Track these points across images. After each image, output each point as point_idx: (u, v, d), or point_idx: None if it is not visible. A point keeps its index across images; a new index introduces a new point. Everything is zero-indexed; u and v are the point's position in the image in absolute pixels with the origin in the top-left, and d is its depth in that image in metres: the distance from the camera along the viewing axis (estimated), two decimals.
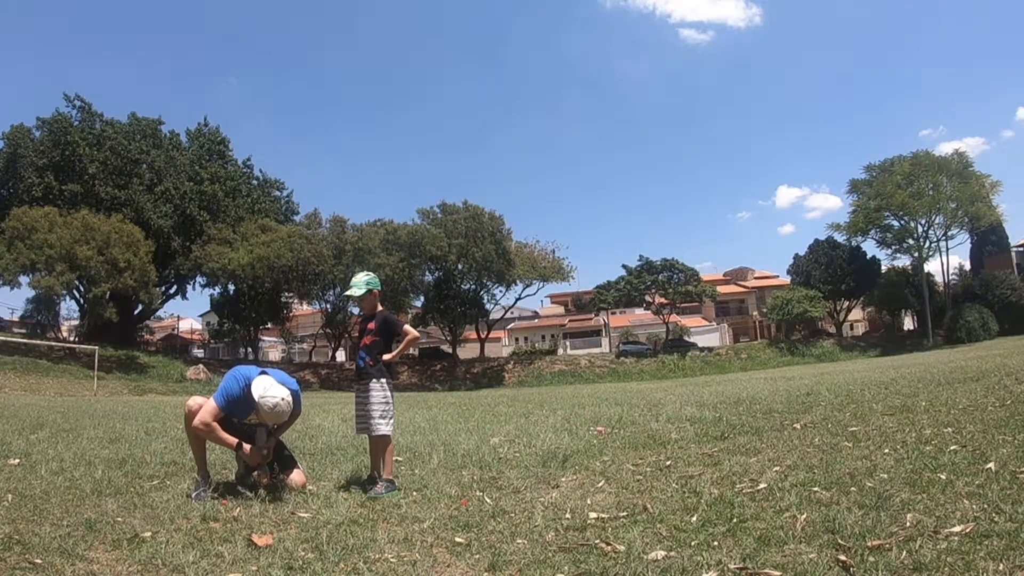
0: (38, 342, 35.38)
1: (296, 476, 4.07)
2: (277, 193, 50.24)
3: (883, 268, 50.55)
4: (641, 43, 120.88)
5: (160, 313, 52.10)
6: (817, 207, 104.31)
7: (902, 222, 47.99)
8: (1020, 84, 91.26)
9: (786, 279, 54.10)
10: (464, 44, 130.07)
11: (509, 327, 58.82)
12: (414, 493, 3.79)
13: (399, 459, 5.11)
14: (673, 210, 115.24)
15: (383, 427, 4.16)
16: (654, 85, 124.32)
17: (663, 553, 2.37)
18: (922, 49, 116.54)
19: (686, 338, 50.25)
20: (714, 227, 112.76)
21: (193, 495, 3.75)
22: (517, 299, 50.00)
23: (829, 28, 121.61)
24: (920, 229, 47.90)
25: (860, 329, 57.05)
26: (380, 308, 4.56)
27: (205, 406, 3.93)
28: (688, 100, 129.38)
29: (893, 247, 49.87)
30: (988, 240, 52.48)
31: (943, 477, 3.06)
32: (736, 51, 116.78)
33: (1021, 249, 55.29)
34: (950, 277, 52.88)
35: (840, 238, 50.58)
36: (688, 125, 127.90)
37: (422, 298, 46.84)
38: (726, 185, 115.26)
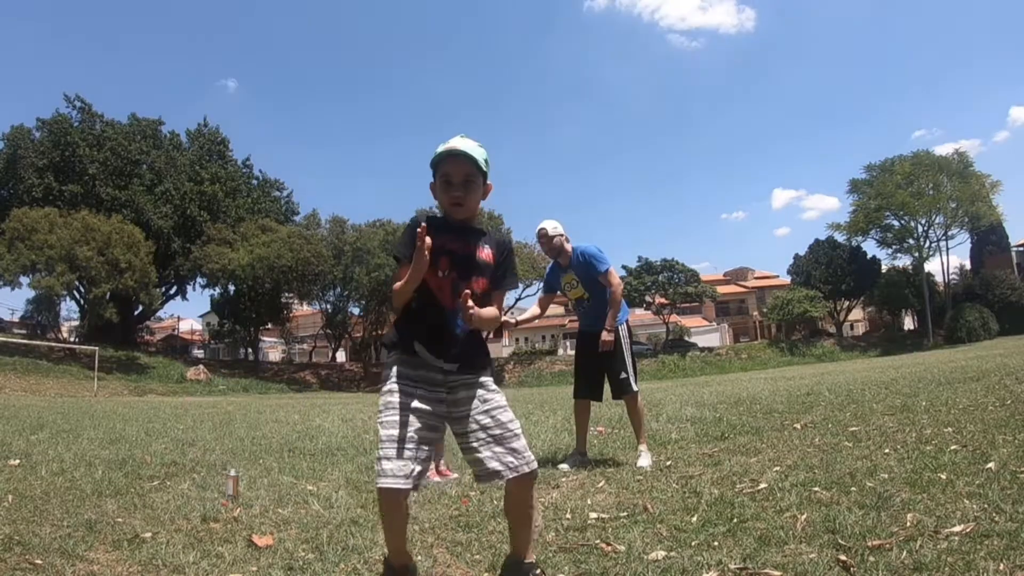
0: (38, 343, 35.40)
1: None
2: (277, 193, 50.31)
3: (883, 268, 50.62)
4: (636, 48, 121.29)
5: (160, 314, 52.20)
6: (813, 207, 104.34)
7: (902, 222, 48.04)
8: (1013, 84, 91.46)
9: (786, 279, 54.15)
10: (460, 49, 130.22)
11: None
12: (414, 493, 3.78)
13: None
14: (669, 212, 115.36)
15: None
16: (650, 89, 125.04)
17: (663, 553, 2.37)
18: (916, 51, 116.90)
19: (686, 338, 50.25)
20: (710, 229, 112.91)
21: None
22: (517, 299, 50.02)
23: (824, 31, 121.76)
24: (920, 229, 47.98)
25: (860, 329, 57.05)
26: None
27: None
28: (683, 104, 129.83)
29: (893, 247, 49.95)
30: (988, 240, 52.53)
31: (943, 477, 3.06)
32: (729, 56, 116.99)
33: (1021, 249, 55.31)
34: (950, 277, 52.93)
35: (840, 238, 50.65)
36: (684, 128, 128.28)
37: None
38: (723, 187, 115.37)
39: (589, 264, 4.43)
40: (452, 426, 1.99)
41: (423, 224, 1.81)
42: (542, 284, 4.96)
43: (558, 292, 4.74)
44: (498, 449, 1.90)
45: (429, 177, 2.04)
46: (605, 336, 4.36)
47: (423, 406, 1.91)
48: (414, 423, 1.88)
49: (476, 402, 1.96)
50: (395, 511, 1.90)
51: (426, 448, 1.90)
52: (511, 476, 1.87)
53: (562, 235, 4.45)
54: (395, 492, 1.82)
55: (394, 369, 1.98)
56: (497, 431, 1.92)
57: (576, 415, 4.72)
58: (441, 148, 1.97)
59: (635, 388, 4.49)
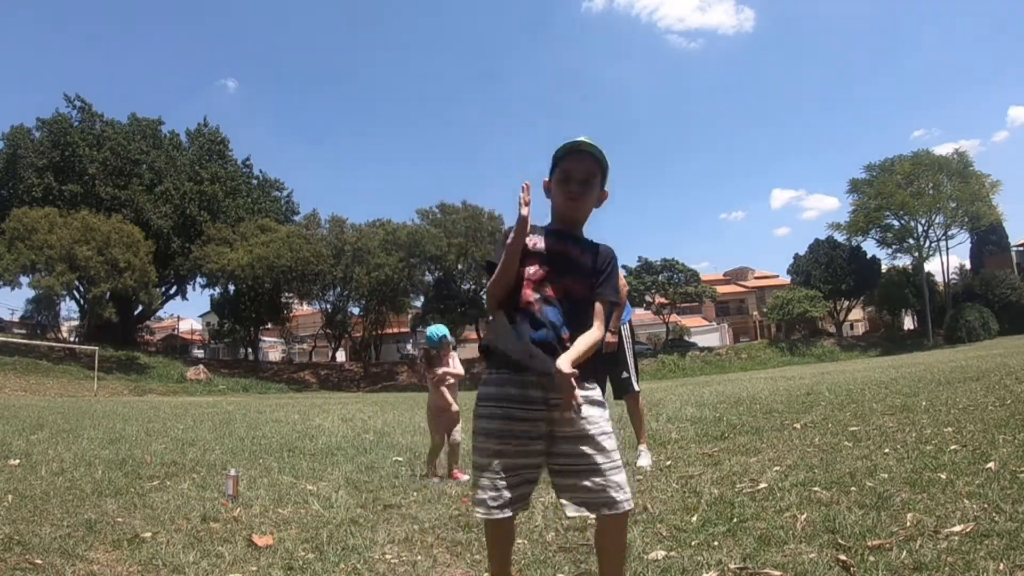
0: (38, 343, 35.38)
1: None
2: (277, 193, 50.29)
3: (883, 268, 50.61)
4: (634, 48, 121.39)
5: (160, 313, 52.15)
6: (812, 207, 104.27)
7: (902, 222, 48.04)
8: (1012, 84, 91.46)
9: (786, 279, 54.13)
10: (458, 50, 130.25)
11: None
12: (414, 493, 3.79)
13: (399, 459, 5.11)
14: (668, 212, 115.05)
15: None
16: (648, 90, 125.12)
17: (663, 553, 2.37)
18: (914, 51, 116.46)
19: (686, 338, 50.24)
20: (709, 229, 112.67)
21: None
22: None
23: (823, 31, 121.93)
24: (920, 229, 47.97)
25: (860, 329, 57.05)
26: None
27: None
28: (681, 104, 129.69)
29: (893, 247, 49.94)
30: (988, 240, 52.53)
31: (943, 477, 3.06)
32: (728, 56, 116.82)
33: (1021, 249, 55.32)
34: (950, 277, 52.92)
35: (840, 238, 50.64)
36: (682, 128, 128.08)
37: (422, 298, 46.87)
38: (721, 187, 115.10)
39: None
40: (550, 447, 1.75)
41: (526, 182, 1.74)
42: None
43: None
44: (598, 480, 1.68)
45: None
46: (609, 337, 4.36)
47: (518, 429, 1.73)
48: (508, 449, 1.72)
49: (579, 424, 1.72)
50: (499, 537, 1.84)
51: (524, 474, 1.74)
52: (608, 513, 1.68)
53: None
54: (495, 522, 1.74)
55: (487, 389, 1.80)
56: (600, 459, 1.69)
57: None
58: (567, 142, 1.85)
59: (636, 388, 4.49)
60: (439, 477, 4.26)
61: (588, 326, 1.77)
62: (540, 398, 1.73)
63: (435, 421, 4.50)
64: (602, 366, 4.47)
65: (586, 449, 1.70)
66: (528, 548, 2.59)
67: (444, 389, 4.51)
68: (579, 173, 1.85)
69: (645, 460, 4.24)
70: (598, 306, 1.82)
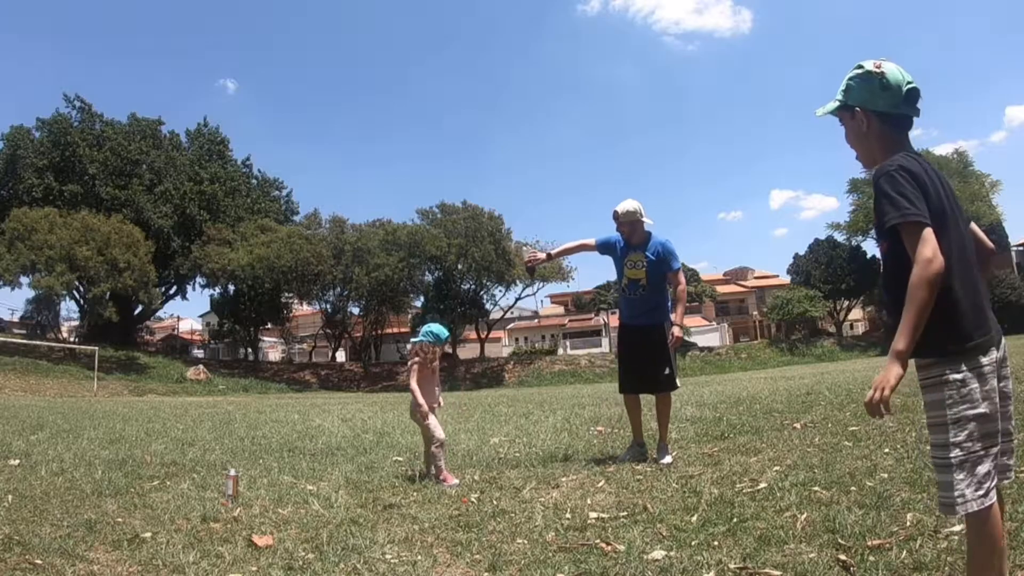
0: (38, 343, 35.37)
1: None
2: (276, 193, 50.29)
3: None
4: (631, 51, 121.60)
5: (160, 313, 52.17)
6: (811, 207, 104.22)
7: None
8: (1009, 84, 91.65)
9: (786, 279, 54.10)
10: (459, 50, 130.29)
11: (509, 327, 58.78)
12: (414, 493, 3.79)
13: (399, 459, 5.11)
14: (665, 212, 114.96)
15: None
16: (646, 91, 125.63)
17: (663, 553, 2.37)
18: (911, 51, 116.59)
19: (686, 338, 50.26)
20: (707, 228, 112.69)
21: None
22: (517, 299, 50.05)
23: (820, 31, 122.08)
24: None
25: (860, 329, 57.00)
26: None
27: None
28: (679, 106, 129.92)
29: None
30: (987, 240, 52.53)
31: None
32: (726, 58, 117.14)
33: (1021, 249, 55.33)
34: None
35: (840, 237, 50.62)
36: (680, 129, 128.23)
37: (422, 298, 46.87)
38: (720, 187, 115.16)
39: (667, 256, 4.64)
40: None
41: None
42: (601, 238, 4.93)
43: (601, 252, 4.88)
44: None
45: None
46: (677, 332, 4.57)
47: None
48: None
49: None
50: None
51: None
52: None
53: (634, 212, 4.63)
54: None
55: None
56: None
57: (628, 408, 4.84)
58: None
59: (678, 384, 4.66)
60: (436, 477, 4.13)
61: None
62: None
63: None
64: None
65: None
66: (528, 548, 2.59)
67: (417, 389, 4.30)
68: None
69: (668, 457, 4.35)
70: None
